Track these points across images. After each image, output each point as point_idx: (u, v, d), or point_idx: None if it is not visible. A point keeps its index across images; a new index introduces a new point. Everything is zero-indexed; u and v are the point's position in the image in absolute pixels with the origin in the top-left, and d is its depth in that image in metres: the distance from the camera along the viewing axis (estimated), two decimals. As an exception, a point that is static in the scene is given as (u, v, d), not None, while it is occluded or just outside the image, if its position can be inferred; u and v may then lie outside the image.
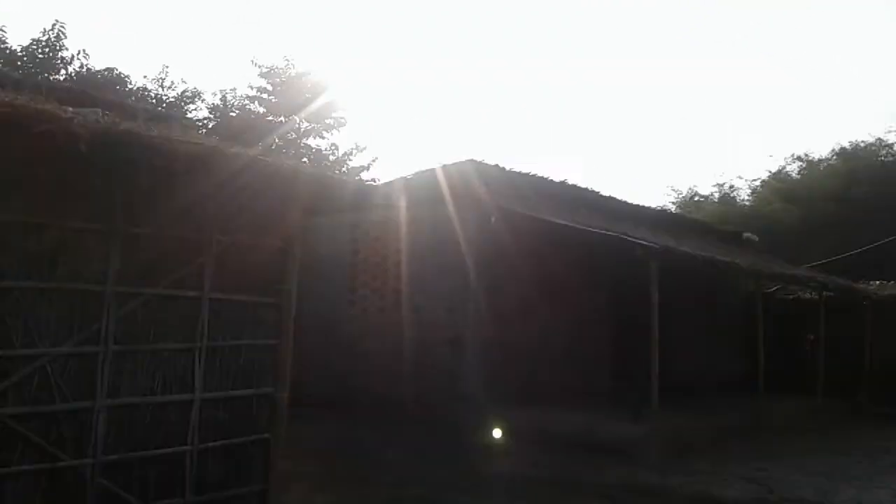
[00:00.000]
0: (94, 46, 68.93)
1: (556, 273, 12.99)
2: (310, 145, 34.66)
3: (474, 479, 9.24)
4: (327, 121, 38.06)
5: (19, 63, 32.74)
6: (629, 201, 16.66)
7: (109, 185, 5.03)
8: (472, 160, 12.24)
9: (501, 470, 9.71)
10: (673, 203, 41.21)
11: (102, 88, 34.86)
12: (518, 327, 12.82)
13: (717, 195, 41.29)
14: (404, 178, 13.05)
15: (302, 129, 39.73)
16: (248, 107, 40.10)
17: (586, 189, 15.64)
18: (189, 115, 39.13)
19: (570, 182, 15.09)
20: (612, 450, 10.60)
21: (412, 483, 8.81)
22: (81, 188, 4.96)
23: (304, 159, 34.12)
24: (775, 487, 9.22)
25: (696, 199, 42.09)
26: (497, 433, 11.15)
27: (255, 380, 5.90)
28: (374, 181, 25.63)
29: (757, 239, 19.37)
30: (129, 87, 36.08)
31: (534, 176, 13.60)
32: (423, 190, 12.69)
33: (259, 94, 40.32)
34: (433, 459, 10.11)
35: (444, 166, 12.24)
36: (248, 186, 5.36)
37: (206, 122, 39.36)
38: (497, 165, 12.77)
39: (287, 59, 40.36)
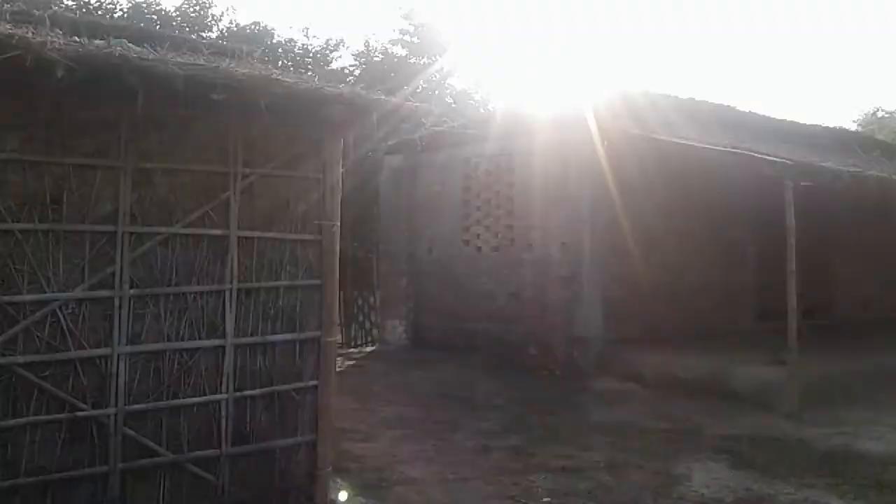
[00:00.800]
0: (241, 2, 71.55)
1: (687, 201, 11.74)
2: (453, 85, 33.83)
3: (583, 427, 8.50)
4: (464, 59, 37.40)
5: (173, 24, 34.29)
6: (789, 119, 14.91)
7: (108, 116, 4.66)
8: (587, 79, 11.13)
9: (615, 418, 8.88)
10: (855, 122, 37.83)
11: (250, 42, 35.97)
12: (644, 263, 11.76)
13: (905, 110, 37.53)
14: (514, 108, 12.17)
15: (444, 70, 39.31)
16: (390, 50, 40.16)
17: (732, 108, 14.07)
18: (334, 63, 39.72)
19: (713, 101, 13.60)
20: (747, 397, 9.52)
21: (513, 431, 8.22)
22: (80, 122, 4.61)
23: (450, 100, 33.56)
24: (937, 443, 7.83)
25: (881, 115, 38.47)
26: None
27: (299, 323, 5.41)
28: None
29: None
30: (276, 38, 36.93)
31: (660, 95, 12.25)
32: (534, 118, 11.79)
33: (402, 35, 40.24)
34: (545, 405, 9.47)
35: (552, 92, 11.23)
36: (268, 110, 4.79)
37: (351, 68, 39.92)
38: (615, 86, 11.58)
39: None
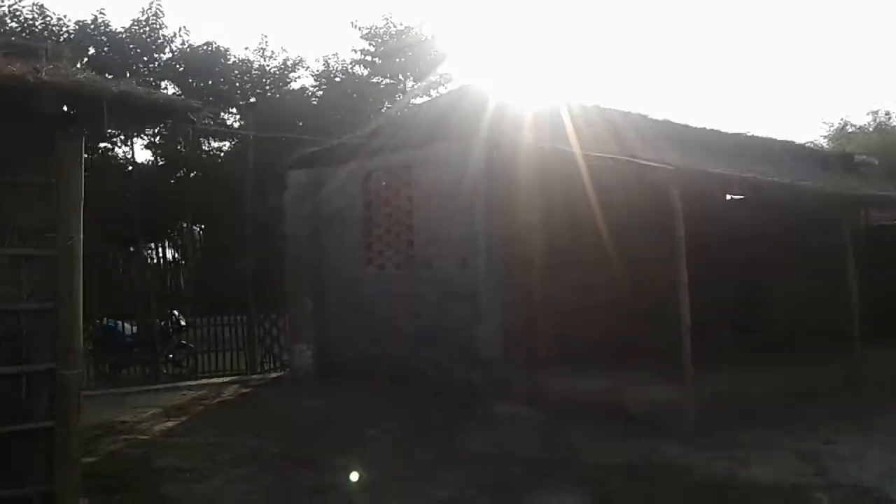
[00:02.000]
0: (193, 22, 71.40)
1: (592, 215, 11.00)
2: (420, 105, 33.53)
3: (452, 459, 7.71)
4: (432, 78, 36.92)
5: (125, 46, 33.70)
6: (745, 133, 14.33)
7: None
8: (473, 85, 10.47)
9: (492, 448, 8.11)
10: (824, 137, 37.82)
11: (204, 63, 35.34)
12: (550, 280, 11.03)
13: (872, 125, 37.58)
14: (411, 117, 11.47)
15: (408, 89, 38.80)
16: (352, 70, 39.65)
17: (682, 124, 13.45)
18: (293, 84, 39.19)
19: (658, 117, 13.00)
20: (642, 418, 8.78)
21: (370, 466, 7.42)
22: None
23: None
24: (832, 468, 7.07)
25: (849, 129, 38.41)
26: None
27: (24, 354, 4.64)
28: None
29: (876, 162, 16.12)
30: (232, 59, 36.38)
31: (569, 104, 11.55)
32: (432, 127, 11.09)
33: (363, 56, 39.78)
34: (422, 436, 8.69)
35: (446, 93, 10.55)
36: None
37: (312, 89, 39.37)
38: (513, 91, 10.92)
39: (387, 18, 39.47)
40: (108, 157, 35.75)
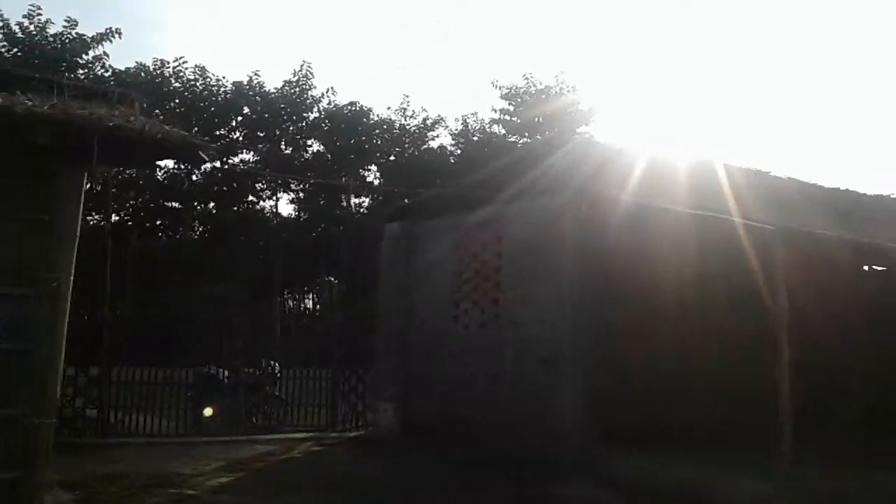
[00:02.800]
0: (339, 82, 74.42)
1: (703, 279, 10.02)
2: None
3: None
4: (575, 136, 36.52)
5: (276, 105, 35.55)
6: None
7: None
8: (578, 137, 9.82)
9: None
10: None
11: (348, 122, 36.66)
12: (645, 348, 10.08)
13: None
14: (505, 170, 10.96)
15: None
16: (489, 129, 39.86)
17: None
18: (432, 142, 39.88)
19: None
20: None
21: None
22: None
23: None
24: None
25: None
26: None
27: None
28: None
29: None
30: (374, 118, 37.55)
31: (667, 157, 10.70)
32: (521, 180, 10.55)
33: (502, 115, 39.97)
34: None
35: (541, 144, 9.99)
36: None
37: (451, 148, 39.89)
38: (607, 144, 10.21)
39: (527, 78, 39.55)
40: (255, 211, 37.47)
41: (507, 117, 39.52)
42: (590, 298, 9.80)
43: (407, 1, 62.45)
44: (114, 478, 8.59)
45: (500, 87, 39.68)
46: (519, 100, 39.26)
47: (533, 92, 38.70)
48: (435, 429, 11.61)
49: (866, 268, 12.97)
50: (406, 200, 12.38)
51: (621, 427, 9.59)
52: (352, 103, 36.40)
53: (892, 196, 12.96)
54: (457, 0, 61.05)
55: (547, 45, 59.70)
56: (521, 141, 39.94)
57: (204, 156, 5.12)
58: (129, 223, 34.75)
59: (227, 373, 14.13)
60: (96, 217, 32.23)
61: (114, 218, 36.66)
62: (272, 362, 14.36)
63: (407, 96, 47.98)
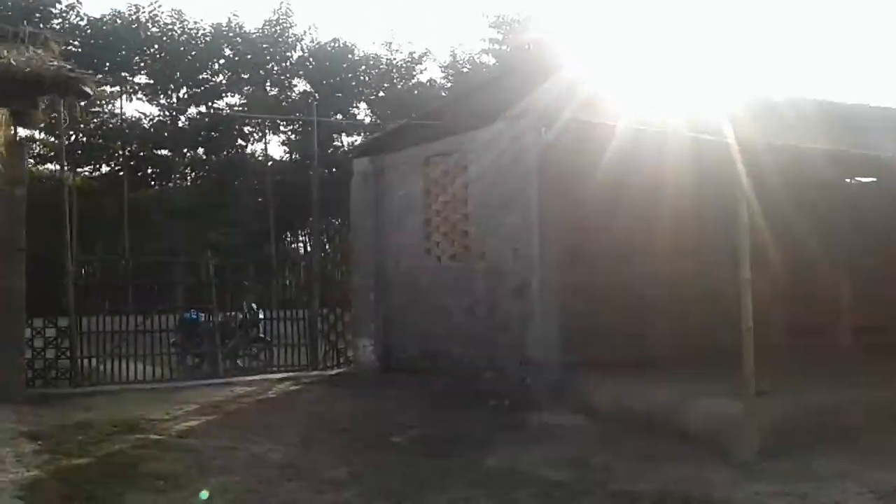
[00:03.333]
0: (322, 19, 72.71)
1: (662, 200, 9.71)
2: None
3: (465, 476, 6.83)
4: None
5: (257, 45, 34.81)
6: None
7: None
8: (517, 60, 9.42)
9: (516, 464, 7.12)
10: None
11: (331, 59, 35.91)
12: (620, 272, 9.87)
13: None
14: (468, 97, 10.57)
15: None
16: (478, 60, 39.03)
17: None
18: (420, 76, 39.10)
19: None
20: (703, 437, 7.50)
21: (370, 480, 6.71)
22: None
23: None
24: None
25: None
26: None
27: None
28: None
29: None
30: (359, 54, 36.76)
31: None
32: (484, 107, 10.20)
33: (491, 45, 39.12)
34: (453, 446, 7.83)
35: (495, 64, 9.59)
36: None
37: (441, 81, 39.16)
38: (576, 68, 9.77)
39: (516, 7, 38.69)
40: (245, 155, 37.03)
41: (497, 46, 38.71)
42: (558, 226, 9.55)
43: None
44: (81, 426, 8.54)
45: (487, 16, 38.86)
46: (507, 28, 38.40)
47: (521, 20, 37.84)
48: (416, 364, 11.53)
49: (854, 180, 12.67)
50: (373, 135, 12.02)
51: (597, 355, 9.45)
52: (335, 40, 35.71)
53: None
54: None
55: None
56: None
57: (87, 89, 4.75)
58: (121, 173, 34.46)
59: (210, 317, 14.04)
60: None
61: (105, 169, 36.47)
62: (253, 305, 14.27)
63: (392, 30, 46.96)
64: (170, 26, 33.65)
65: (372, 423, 8.82)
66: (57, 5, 31.81)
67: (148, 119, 34.81)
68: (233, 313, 14.11)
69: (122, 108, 34.41)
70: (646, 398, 8.43)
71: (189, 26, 33.68)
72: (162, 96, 34.47)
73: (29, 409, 9.45)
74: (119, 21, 32.59)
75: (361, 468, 6.97)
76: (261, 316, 14.04)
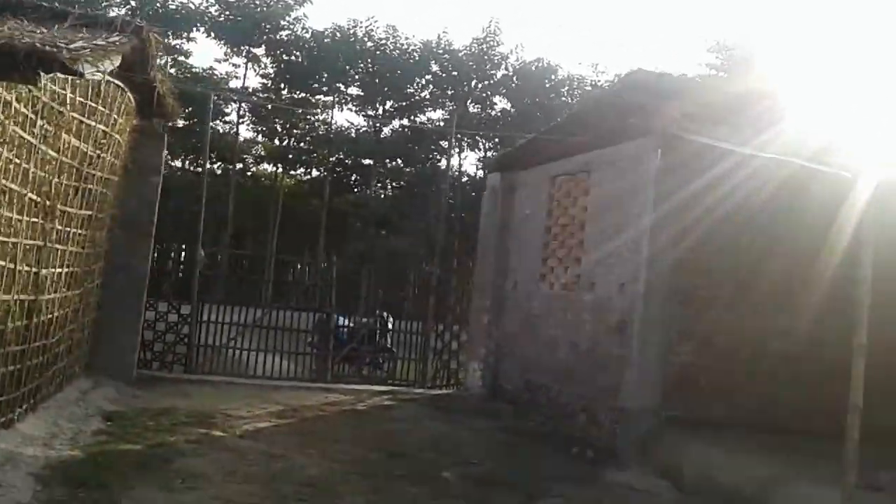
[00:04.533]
0: (527, 37, 71.95)
1: (813, 237, 8.32)
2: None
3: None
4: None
5: (463, 62, 35.45)
6: None
7: None
8: (641, 70, 8.51)
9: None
10: None
11: (533, 78, 35.70)
12: (734, 321, 8.61)
13: None
14: (599, 112, 9.75)
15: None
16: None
17: None
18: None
19: None
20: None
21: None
22: None
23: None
24: None
25: None
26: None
27: None
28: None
29: None
30: (562, 75, 36.30)
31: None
32: (613, 119, 9.34)
33: (709, 71, 37.01)
34: (501, 493, 7.10)
35: (610, 83, 8.77)
36: None
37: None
38: (683, 76, 8.70)
39: (738, 33, 36.48)
40: (439, 168, 37.81)
41: (714, 72, 36.56)
42: (670, 262, 8.44)
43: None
44: (160, 413, 8.76)
45: (705, 40, 36.81)
46: (726, 53, 36.20)
47: (746, 48, 35.51)
48: (519, 396, 10.85)
49: None
50: (506, 150, 11.49)
51: (699, 410, 8.27)
52: (539, 59, 35.50)
53: None
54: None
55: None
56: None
57: (77, 67, 4.63)
58: (326, 177, 36.46)
59: (347, 321, 14.16)
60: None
61: (314, 173, 38.82)
62: (384, 313, 14.21)
63: (598, 51, 46.03)
64: (383, 41, 35.09)
65: (436, 452, 8.24)
66: (287, 17, 34.27)
67: (354, 128, 36.51)
68: (368, 320, 14.16)
69: (332, 116, 36.27)
70: (738, 471, 7.17)
71: (401, 42, 34.92)
72: (369, 108, 36.02)
73: (131, 389, 9.92)
74: (338, 35, 34.45)
75: (384, 501, 6.47)
76: (390, 325, 13.94)
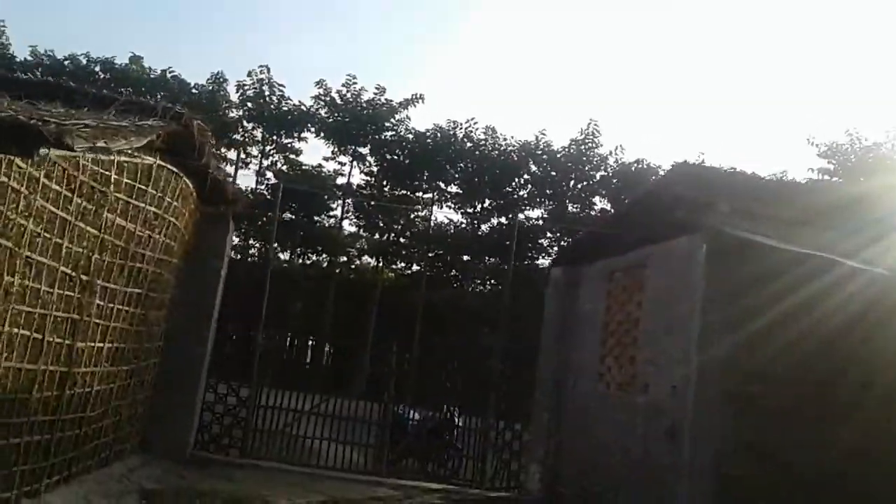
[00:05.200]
0: (628, 136, 71.45)
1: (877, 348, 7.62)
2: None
3: None
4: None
5: (562, 163, 35.61)
6: None
7: None
8: (687, 163, 8.24)
9: None
10: None
11: (633, 180, 35.36)
12: (801, 432, 7.85)
13: None
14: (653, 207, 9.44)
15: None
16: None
17: None
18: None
19: None
20: None
21: None
22: None
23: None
24: None
25: None
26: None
27: None
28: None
29: None
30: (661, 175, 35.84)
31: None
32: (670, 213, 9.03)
33: (820, 175, 35.65)
34: None
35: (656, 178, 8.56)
36: None
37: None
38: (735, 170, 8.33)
39: (851, 134, 35.25)
40: (537, 267, 37.69)
41: (826, 177, 35.18)
42: (721, 362, 7.86)
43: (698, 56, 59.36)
44: (198, 494, 8.75)
45: (816, 145, 35.67)
46: (841, 157, 34.85)
47: (858, 149, 34.21)
48: (575, 502, 10.19)
49: None
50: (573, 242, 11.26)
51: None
52: (639, 160, 35.17)
53: None
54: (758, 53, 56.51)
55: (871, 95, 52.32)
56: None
57: (66, 140, 4.78)
58: (424, 272, 36.86)
59: (416, 415, 13.93)
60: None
61: (415, 268, 39.32)
62: (453, 409, 13.86)
63: (702, 153, 45.28)
64: (482, 142, 35.79)
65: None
66: (391, 119, 35.63)
67: (453, 225, 37.06)
68: (435, 415, 13.85)
69: (431, 213, 36.93)
70: None
71: (499, 142, 35.53)
72: (468, 205, 36.53)
73: (180, 469, 9.97)
74: (439, 135, 35.41)
75: None
76: (458, 422, 13.56)
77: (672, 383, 8.23)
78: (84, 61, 33.41)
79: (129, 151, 7.24)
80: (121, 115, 6.78)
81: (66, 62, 33.26)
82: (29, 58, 33.13)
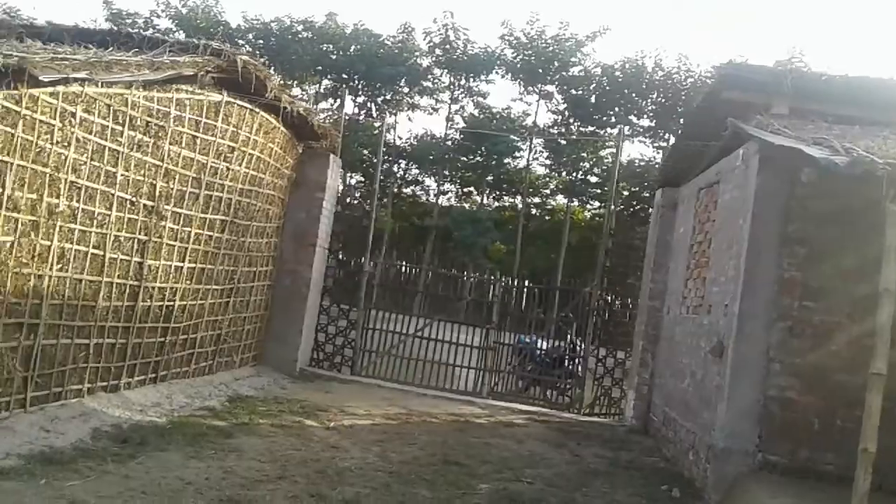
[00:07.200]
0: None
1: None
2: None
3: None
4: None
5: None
6: None
7: None
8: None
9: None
10: None
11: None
12: (855, 357, 7.12)
13: None
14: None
15: None
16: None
17: None
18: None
19: None
20: None
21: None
22: None
23: None
24: None
25: None
26: None
27: None
28: None
29: None
30: None
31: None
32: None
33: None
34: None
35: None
36: None
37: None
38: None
39: None
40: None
41: None
42: (771, 279, 7.24)
43: None
44: (284, 401, 9.62)
45: None
46: None
47: None
48: (660, 429, 9.94)
49: None
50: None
51: (808, 457, 6.98)
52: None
53: None
54: None
55: None
56: None
57: (42, 77, 5.49)
58: (626, 212, 36.06)
59: (543, 343, 14.08)
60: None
61: (613, 207, 38.53)
62: (578, 339, 13.80)
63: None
64: (674, 70, 34.12)
65: (499, 467, 7.80)
66: (577, 54, 34.85)
67: (643, 160, 35.86)
68: (560, 344, 13.89)
69: (618, 150, 35.98)
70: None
71: (692, 69, 33.64)
72: (660, 139, 35.13)
73: (286, 382, 11.00)
74: (627, 66, 34.19)
75: (382, 499, 6.42)
76: (579, 350, 13.50)
77: (725, 301, 7.74)
78: (288, 22, 35.84)
79: (188, 88, 8.05)
80: (159, 54, 7.48)
81: (272, 24, 35.89)
82: (242, 24, 36.18)
